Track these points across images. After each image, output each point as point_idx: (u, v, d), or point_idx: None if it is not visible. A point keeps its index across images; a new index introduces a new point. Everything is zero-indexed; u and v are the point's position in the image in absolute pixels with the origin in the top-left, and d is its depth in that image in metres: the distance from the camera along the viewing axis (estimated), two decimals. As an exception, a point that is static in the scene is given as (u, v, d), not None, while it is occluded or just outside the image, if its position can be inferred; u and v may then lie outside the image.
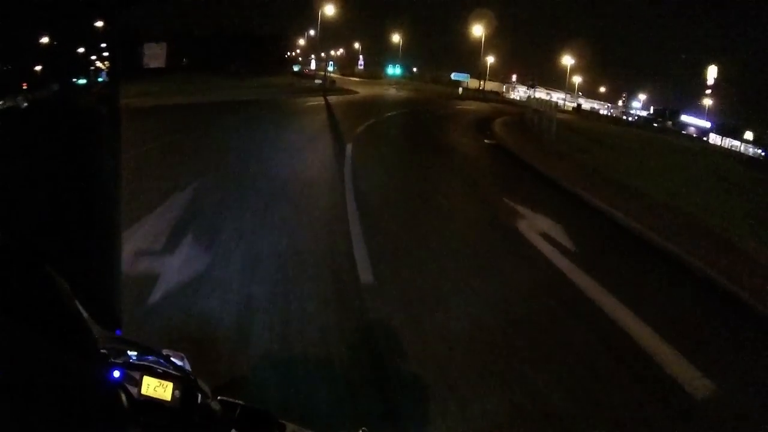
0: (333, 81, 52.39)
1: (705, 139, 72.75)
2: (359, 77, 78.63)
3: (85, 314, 0.74)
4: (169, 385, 1.11)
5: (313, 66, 74.86)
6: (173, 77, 34.91)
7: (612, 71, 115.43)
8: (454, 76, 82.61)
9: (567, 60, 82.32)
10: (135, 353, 1.15)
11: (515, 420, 3.54)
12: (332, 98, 33.70)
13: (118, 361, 1.10)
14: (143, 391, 1.09)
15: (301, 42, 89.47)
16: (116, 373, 1.08)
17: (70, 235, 0.74)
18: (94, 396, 0.72)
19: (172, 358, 1.19)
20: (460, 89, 75.16)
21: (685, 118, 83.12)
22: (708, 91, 77.88)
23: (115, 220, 0.83)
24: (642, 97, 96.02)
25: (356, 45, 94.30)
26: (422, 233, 7.34)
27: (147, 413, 1.05)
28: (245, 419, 1.12)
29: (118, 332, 0.92)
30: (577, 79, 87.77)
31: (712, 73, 77.58)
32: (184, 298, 4.80)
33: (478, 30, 75.28)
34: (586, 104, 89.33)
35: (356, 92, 47.15)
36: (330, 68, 65.04)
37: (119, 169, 0.86)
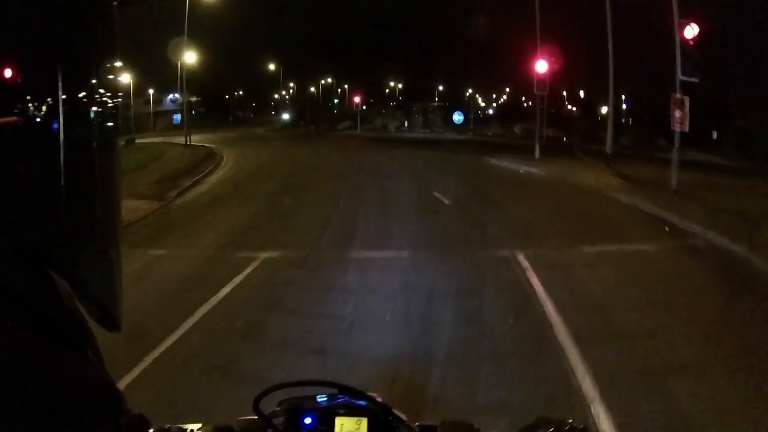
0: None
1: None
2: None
3: (85, 314, 0.75)
4: (364, 421, 1.16)
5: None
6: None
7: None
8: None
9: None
10: (325, 397, 1.22)
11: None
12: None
13: (308, 406, 1.19)
14: (338, 431, 1.15)
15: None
16: (307, 420, 1.17)
17: (70, 235, 0.73)
18: (94, 397, 0.72)
19: (365, 393, 1.21)
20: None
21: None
22: None
23: (116, 219, 0.84)
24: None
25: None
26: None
27: None
28: None
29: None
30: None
31: None
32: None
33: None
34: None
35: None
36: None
37: (119, 167, 0.87)
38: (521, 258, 8.64)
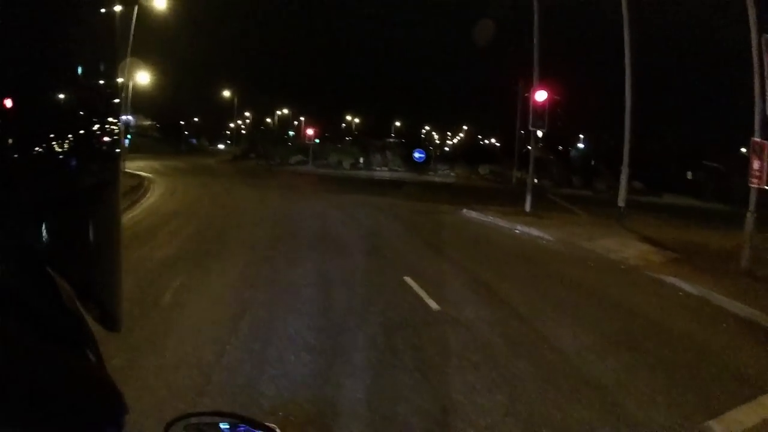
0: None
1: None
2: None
3: (85, 314, 0.72)
4: None
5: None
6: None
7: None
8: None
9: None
10: (227, 426, 1.23)
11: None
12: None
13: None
14: None
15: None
16: None
17: (70, 235, 0.70)
18: (94, 397, 0.68)
19: (266, 425, 1.25)
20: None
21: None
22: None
23: (116, 218, 0.80)
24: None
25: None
26: None
27: None
28: None
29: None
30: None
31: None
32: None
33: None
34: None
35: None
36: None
37: (119, 167, 0.84)
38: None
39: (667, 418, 5.21)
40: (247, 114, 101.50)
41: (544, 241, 14.86)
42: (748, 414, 5.50)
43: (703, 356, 6.99)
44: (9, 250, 0.63)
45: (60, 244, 0.69)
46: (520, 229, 16.64)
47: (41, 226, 0.66)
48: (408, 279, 9.52)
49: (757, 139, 11.70)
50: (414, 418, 4.84)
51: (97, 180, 0.78)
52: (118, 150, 0.83)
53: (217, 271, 10.06)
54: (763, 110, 11.71)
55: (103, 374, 0.75)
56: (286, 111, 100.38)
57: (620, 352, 6.71)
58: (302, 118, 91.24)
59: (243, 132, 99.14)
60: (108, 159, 0.81)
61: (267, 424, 1.28)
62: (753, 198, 11.74)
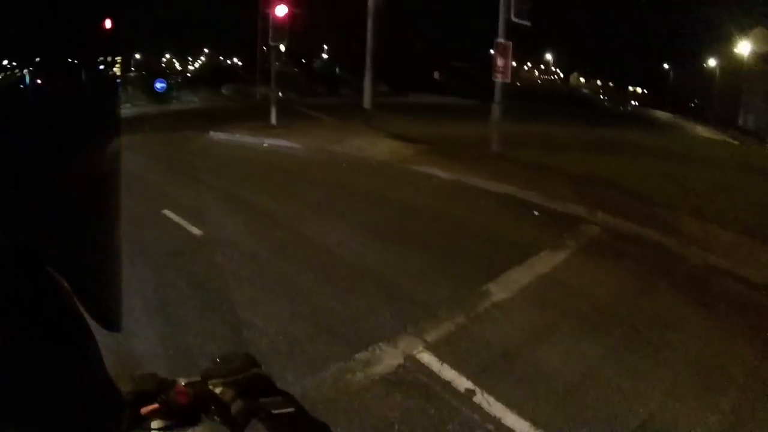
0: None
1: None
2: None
3: (85, 314, 0.71)
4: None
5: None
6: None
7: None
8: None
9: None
10: None
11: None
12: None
13: None
14: None
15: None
16: None
17: (70, 235, 0.69)
18: (94, 397, 0.69)
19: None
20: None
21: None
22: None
23: (116, 217, 0.79)
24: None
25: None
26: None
27: None
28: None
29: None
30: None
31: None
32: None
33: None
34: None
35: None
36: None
37: (120, 166, 0.81)
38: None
39: (445, 289, 5.69)
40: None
41: (294, 150, 14.96)
42: (521, 273, 6.19)
43: (469, 230, 7.72)
44: (8, 249, 0.62)
45: (59, 243, 0.68)
46: (268, 142, 16.53)
47: (40, 224, 0.66)
48: (166, 211, 9.11)
49: (502, 40, 13.02)
50: (209, 344, 4.79)
51: (94, 174, 0.76)
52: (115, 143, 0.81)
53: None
54: (508, 17, 12.99)
55: (103, 374, 0.75)
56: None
57: (385, 239, 7.11)
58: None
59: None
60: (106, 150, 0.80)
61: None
62: (498, 91, 13.23)
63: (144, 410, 1.05)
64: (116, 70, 0.82)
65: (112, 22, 0.79)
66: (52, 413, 0.61)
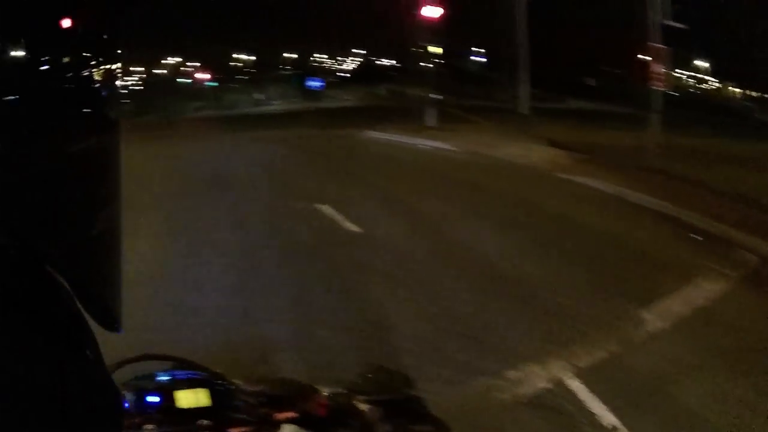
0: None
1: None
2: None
3: (85, 314, 0.70)
4: (204, 392, 1.11)
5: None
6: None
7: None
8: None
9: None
10: (163, 372, 1.17)
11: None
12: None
13: (148, 385, 1.13)
14: (180, 405, 1.09)
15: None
16: (152, 398, 1.12)
17: (70, 235, 0.69)
18: (94, 397, 0.68)
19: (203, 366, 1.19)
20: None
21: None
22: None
23: (116, 217, 0.77)
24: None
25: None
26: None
27: (193, 421, 1.07)
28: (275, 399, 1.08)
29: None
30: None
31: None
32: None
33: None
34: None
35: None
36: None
37: (120, 165, 0.79)
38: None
39: (600, 310, 5.41)
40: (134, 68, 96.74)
41: (449, 153, 14.98)
42: (678, 303, 5.77)
43: (624, 249, 7.34)
44: (8, 248, 0.62)
45: (59, 242, 0.68)
46: (423, 143, 16.69)
47: (39, 223, 0.66)
48: (322, 206, 9.45)
49: (660, 46, 12.41)
50: (346, 336, 4.91)
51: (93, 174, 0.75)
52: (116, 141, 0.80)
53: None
54: (661, 22, 12.39)
55: (103, 374, 0.75)
56: (172, 60, 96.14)
57: (542, 252, 6.89)
58: (195, 64, 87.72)
59: (135, 88, 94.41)
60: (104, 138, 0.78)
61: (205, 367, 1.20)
62: (657, 99, 12.51)
63: (278, 415, 1.03)
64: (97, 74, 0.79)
65: (73, 21, 0.75)
66: (51, 415, 0.61)
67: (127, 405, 1.10)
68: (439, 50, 21.72)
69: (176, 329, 5.04)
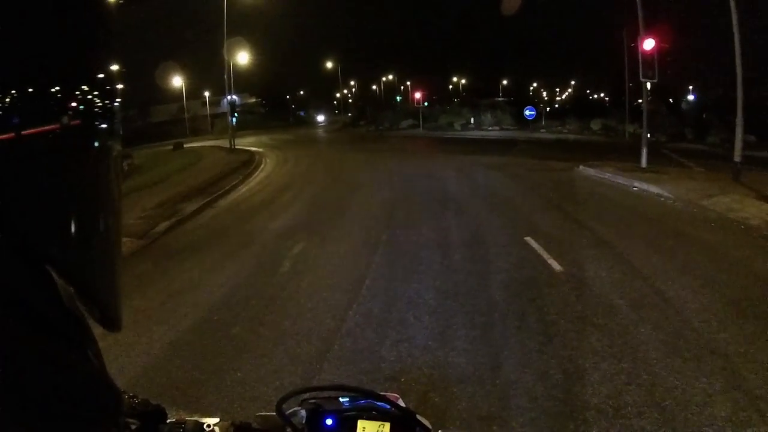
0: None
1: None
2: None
3: (85, 314, 0.70)
4: (386, 425, 1.14)
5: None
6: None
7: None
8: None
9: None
10: (347, 399, 1.21)
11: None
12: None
13: (330, 408, 1.18)
14: None
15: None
16: (329, 421, 1.16)
17: (70, 235, 0.68)
18: (94, 397, 0.68)
19: (388, 398, 1.19)
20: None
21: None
22: None
23: (116, 217, 0.77)
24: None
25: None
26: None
27: None
28: None
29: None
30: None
31: None
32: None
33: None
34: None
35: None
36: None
37: (120, 165, 0.80)
38: None
39: None
40: (352, 83, 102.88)
41: (663, 199, 14.03)
42: None
43: None
44: (8, 248, 0.62)
45: (59, 242, 0.68)
46: (637, 185, 15.80)
47: (38, 222, 0.66)
48: (528, 239, 9.41)
49: None
50: (537, 383, 4.75)
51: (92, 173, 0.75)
52: (108, 129, 0.79)
53: (335, 238, 10.38)
54: None
55: (103, 374, 0.74)
56: (390, 77, 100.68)
57: (744, 320, 6.15)
58: (409, 82, 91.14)
59: (350, 101, 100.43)
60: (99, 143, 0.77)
61: (387, 394, 1.21)
62: None
63: None
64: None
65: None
66: (51, 415, 0.61)
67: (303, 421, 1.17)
68: (650, 85, 20.41)
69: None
